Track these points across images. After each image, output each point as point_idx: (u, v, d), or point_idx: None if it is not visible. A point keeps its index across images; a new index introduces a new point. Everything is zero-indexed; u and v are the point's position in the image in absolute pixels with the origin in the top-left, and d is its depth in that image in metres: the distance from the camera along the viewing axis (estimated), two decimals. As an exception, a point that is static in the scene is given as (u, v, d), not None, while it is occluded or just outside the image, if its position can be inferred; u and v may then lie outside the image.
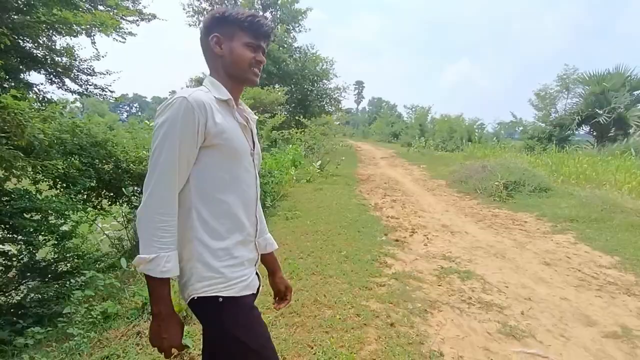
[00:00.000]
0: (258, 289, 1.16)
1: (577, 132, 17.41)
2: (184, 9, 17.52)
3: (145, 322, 2.68)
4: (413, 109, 32.04)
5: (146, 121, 6.15)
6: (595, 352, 2.38)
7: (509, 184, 7.10)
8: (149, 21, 5.66)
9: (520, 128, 20.02)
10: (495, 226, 5.32)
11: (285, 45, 16.02)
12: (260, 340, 1.07)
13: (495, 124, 21.64)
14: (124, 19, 5.38)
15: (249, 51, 1.08)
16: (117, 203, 4.86)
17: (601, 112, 15.45)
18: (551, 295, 3.15)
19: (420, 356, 2.27)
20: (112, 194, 4.76)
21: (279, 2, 15.88)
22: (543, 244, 4.48)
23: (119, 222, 5.08)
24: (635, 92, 15.68)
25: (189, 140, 0.97)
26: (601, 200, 5.69)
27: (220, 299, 1.03)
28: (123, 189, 4.42)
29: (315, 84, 18.28)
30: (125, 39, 5.56)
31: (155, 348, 1.00)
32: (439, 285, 3.30)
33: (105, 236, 5.07)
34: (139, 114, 76.43)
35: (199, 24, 18.04)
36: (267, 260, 1.32)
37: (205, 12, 17.71)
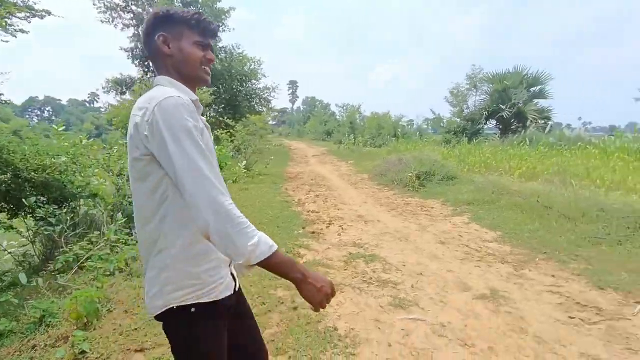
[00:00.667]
0: (235, 289, 1.15)
1: (486, 126, 19.39)
2: (94, 5, 16.27)
3: (42, 335, 2.57)
4: (344, 108, 33.13)
5: (54, 126, 5.65)
6: (466, 312, 2.80)
7: (421, 174, 7.77)
8: (42, 18, 5.24)
9: (441, 123, 21.74)
10: (405, 214, 5.83)
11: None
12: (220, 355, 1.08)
13: (419, 120, 23.22)
14: (13, 16, 4.93)
15: (199, 50, 1.06)
16: (19, 216, 4.48)
17: (504, 107, 17.39)
18: (440, 269, 3.59)
19: (317, 333, 2.49)
20: (11, 206, 4.38)
21: (200, 0, 15.44)
22: (442, 226, 5.03)
23: (24, 236, 4.68)
24: (532, 89, 17.89)
25: (199, 136, 0.95)
26: (494, 185, 6.49)
27: (193, 309, 1.01)
28: (24, 200, 4.11)
29: (244, 84, 18.10)
30: (15, 36, 5.11)
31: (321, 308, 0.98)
32: (345, 270, 3.58)
33: (8, 254, 4.64)
34: (53, 118, 69.06)
35: (112, 21, 16.88)
36: None
37: (118, 9, 16.62)
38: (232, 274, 1.15)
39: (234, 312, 1.14)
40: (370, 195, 7.28)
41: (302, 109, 56.32)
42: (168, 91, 0.95)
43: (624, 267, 3.46)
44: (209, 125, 1.08)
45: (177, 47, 1.04)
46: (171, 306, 1.00)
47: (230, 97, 17.24)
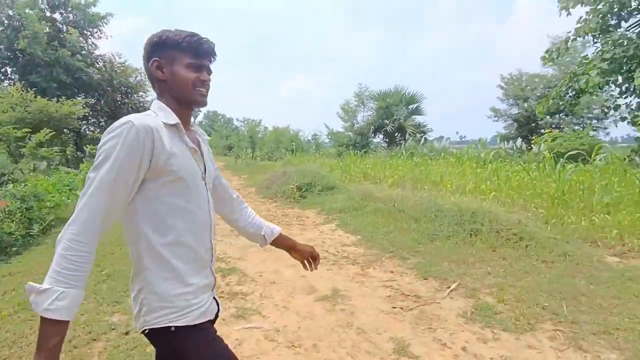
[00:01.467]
0: (217, 314, 1.15)
1: (375, 139, 21.17)
2: None
3: None
4: (245, 122, 32.97)
5: None
6: (304, 314, 2.95)
7: (303, 185, 8.08)
8: None
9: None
10: (280, 224, 5.95)
11: (84, 52, 14.09)
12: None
13: (315, 134, 24.20)
14: None
15: (192, 72, 1.05)
16: None
17: (388, 122, 19.23)
18: (293, 276, 3.74)
19: (143, 354, 2.37)
20: None
21: (70, 3, 13.88)
22: (310, 234, 5.28)
23: None
24: (410, 106, 20.12)
25: (131, 164, 0.91)
26: (363, 193, 7.07)
27: (173, 328, 1.00)
28: None
29: (130, 96, 16.74)
30: None
31: None
32: (197, 286, 3.49)
33: None
34: None
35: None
36: (280, 242, 1.44)
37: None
38: (215, 299, 1.16)
39: None
40: (252, 209, 7.28)
41: (203, 123, 54.22)
42: (131, 117, 0.95)
43: (448, 258, 4.06)
44: (194, 146, 1.08)
45: (170, 71, 1.06)
46: (144, 329, 1.01)
47: (113, 110, 15.75)
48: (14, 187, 5.22)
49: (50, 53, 12.31)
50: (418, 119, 19.94)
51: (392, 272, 3.81)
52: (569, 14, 9.02)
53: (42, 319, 0.83)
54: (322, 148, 22.72)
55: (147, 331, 1.02)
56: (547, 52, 9.93)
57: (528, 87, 18.71)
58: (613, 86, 8.87)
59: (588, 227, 4.52)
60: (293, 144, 21.76)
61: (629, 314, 2.72)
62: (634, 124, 9.67)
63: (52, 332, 0.84)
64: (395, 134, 19.69)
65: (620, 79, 8.36)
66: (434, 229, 4.89)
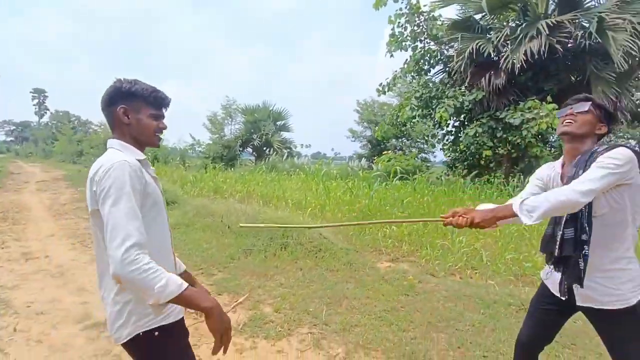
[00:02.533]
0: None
1: (245, 152, 21.16)
2: None
3: None
4: (104, 127, 29.21)
5: None
6: (59, 346, 2.70)
7: (138, 201, 7.49)
8: None
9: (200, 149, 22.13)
10: (86, 242, 5.39)
11: None
12: None
13: (180, 144, 22.83)
14: None
15: (153, 120, 1.32)
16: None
17: (255, 137, 19.50)
18: (73, 303, 3.41)
19: None
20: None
21: None
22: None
23: None
24: (278, 123, 20.80)
25: (137, 195, 1.15)
26: (201, 208, 6.95)
27: (156, 333, 1.23)
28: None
29: None
30: None
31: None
32: None
33: None
34: None
35: None
36: (186, 279, 1.30)
37: None
38: None
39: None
40: (67, 227, 6.43)
41: (49, 124, 45.92)
42: (119, 155, 1.19)
43: (253, 271, 4.26)
44: (156, 176, 1.33)
45: (135, 118, 1.28)
46: (138, 333, 1.20)
47: None
48: None
49: None
50: (285, 135, 20.78)
51: (190, 290, 3.80)
52: (392, 55, 10.69)
53: (182, 294, 1.07)
54: (189, 159, 21.61)
55: (140, 334, 1.20)
56: (380, 85, 11.54)
57: (379, 113, 21.39)
58: (425, 119, 10.82)
59: (378, 237, 5.33)
60: (153, 152, 20.18)
61: (369, 311, 3.27)
62: (443, 150, 11.93)
63: (191, 291, 1.11)
64: (264, 148, 20.08)
65: (426, 113, 10.25)
66: (251, 243, 5.08)
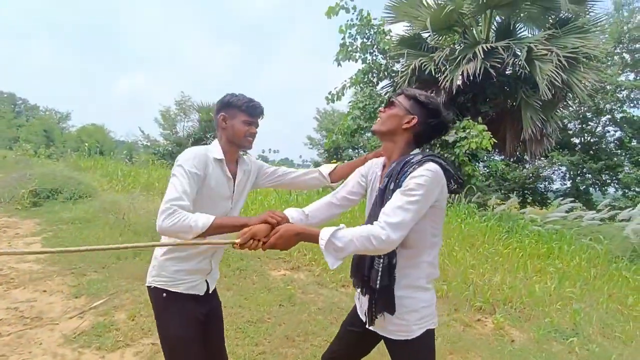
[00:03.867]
0: (207, 292, 1.62)
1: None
2: None
3: None
4: (49, 112, 27.50)
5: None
6: None
7: (44, 191, 6.87)
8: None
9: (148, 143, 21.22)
10: (-33, 235, 4.80)
11: None
12: (176, 338, 1.51)
13: (129, 137, 21.88)
14: None
15: (245, 126, 1.56)
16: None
17: (209, 136, 18.92)
18: None
19: None
20: None
21: None
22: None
23: None
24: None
25: (194, 177, 1.42)
26: (108, 204, 6.45)
27: (164, 294, 1.50)
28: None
29: None
30: None
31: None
32: None
33: None
34: None
35: None
36: (338, 173, 1.90)
37: None
38: (207, 281, 1.62)
39: (205, 312, 1.60)
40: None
41: (-8, 105, 42.47)
42: (203, 147, 1.54)
43: (131, 274, 3.88)
44: (229, 176, 1.57)
45: (230, 124, 1.56)
46: (150, 285, 1.54)
47: None
48: None
49: None
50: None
51: (44, 291, 3.39)
52: (339, 64, 10.69)
53: (212, 227, 1.35)
54: (137, 154, 20.61)
55: (151, 287, 1.54)
56: (329, 93, 11.48)
57: (336, 123, 21.46)
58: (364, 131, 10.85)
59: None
60: (98, 144, 19.08)
61: (232, 322, 3.01)
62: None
63: (222, 222, 1.40)
64: (216, 148, 19.47)
65: (370, 125, 10.26)
66: (144, 242, 4.69)
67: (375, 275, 1.33)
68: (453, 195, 8.51)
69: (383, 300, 1.34)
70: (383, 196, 1.33)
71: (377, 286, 1.33)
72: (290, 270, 4.47)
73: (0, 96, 43.97)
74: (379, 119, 1.43)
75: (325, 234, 1.24)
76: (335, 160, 14.66)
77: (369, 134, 11.58)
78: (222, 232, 1.40)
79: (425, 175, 1.22)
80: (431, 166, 1.24)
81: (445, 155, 9.10)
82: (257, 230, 1.35)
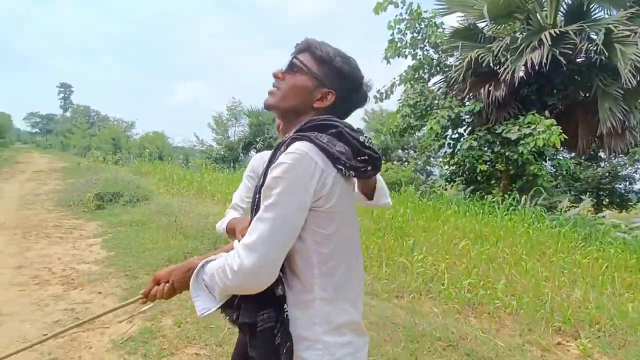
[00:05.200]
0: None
1: (247, 155, 21.01)
2: None
3: None
4: (117, 122, 29.94)
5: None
6: None
7: (107, 195, 7.29)
8: None
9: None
10: (39, 236, 5.17)
11: None
12: None
13: (185, 143, 23.00)
14: None
15: None
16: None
17: (258, 140, 19.32)
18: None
19: None
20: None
21: None
22: (58, 248, 4.67)
23: None
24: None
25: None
26: (164, 206, 6.67)
27: None
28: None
29: None
30: None
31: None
32: None
33: None
34: None
35: None
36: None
37: None
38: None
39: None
40: (24, 218, 6.24)
41: (70, 117, 47.22)
42: None
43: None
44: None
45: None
46: None
47: None
48: None
49: None
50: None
51: (99, 292, 3.47)
52: (388, 62, 10.28)
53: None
54: (192, 158, 21.65)
55: None
56: (377, 92, 11.11)
57: (385, 123, 20.91)
58: (420, 130, 10.33)
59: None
60: (157, 150, 20.29)
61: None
62: (441, 163, 11.39)
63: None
64: (266, 152, 19.82)
65: (422, 124, 9.76)
66: (194, 247, 4.73)
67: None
68: (520, 196, 7.78)
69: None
70: (257, 200, 0.90)
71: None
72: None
73: (76, 109, 48.78)
74: (274, 88, 0.98)
75: (198, 265, 0.89)
76: (385, 161, 14.21)
77: (420, 133, 11.03)
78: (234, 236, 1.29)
79: (286, 162, 0.80)
80: (296, 147, 0.81)
81: (507, 154, 8.37)
82: (159, 273, 0.98)
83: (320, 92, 0.94)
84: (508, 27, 9.70)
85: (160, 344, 2.64)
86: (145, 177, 11.69)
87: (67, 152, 32.40)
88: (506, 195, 8.54)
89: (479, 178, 9.79)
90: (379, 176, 1.07)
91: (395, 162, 15.22)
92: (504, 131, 8.17)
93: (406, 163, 18.05)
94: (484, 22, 9.42)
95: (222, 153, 19.01)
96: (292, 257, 0.86)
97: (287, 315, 0.85)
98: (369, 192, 1.17)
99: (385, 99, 11.02)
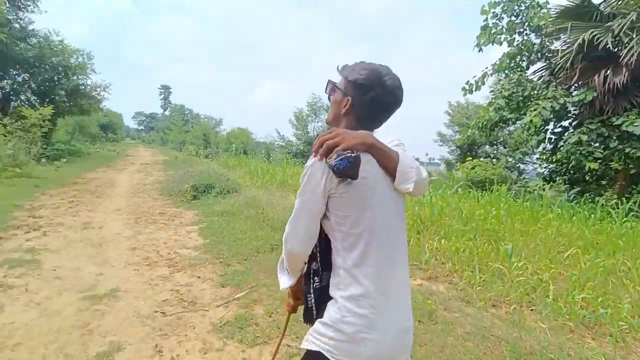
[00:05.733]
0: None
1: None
2: None
3: None
4: (207, 119, 32.63)
5: None
6: (50, 312, 2.82)
7: (200, 186, 7.93)
8: None
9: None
10: (148, 221, 5.80)
11: (15, 26, 13.43)
12: None
13: (267, 138, 24.11)
14: None
15: None
16: None
17: (336, 135, 19.44)
18: (90, 273, 3.60)
19: None
20: None
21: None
22: (162, 234, 5.16)
23: None
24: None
25: None
26: (252, 199, 7.01)
27: None
28: None
29: (70, 78, 16.03)
30: None
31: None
32: (-32, 274, 3.29)
33: None
34: None
35: None
36: None
37: None
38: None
39: None
40: (134, 204, 7.07)
41: (169, 115, 52.86)
42: None
43: (268, 268, 4.01)
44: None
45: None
46: None
47: (44, 88, 15.08)
48: None
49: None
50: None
51: (198, 277, 3.74)
52: (480, 50, 9.47)
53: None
54: (274, 153, 22.65)
55: None
56: (466, 83, 10.35)
57: (471, 116, 19.46)
58: (516, 123, 9.36)
59: (422, 249, 4.65)
60: (242, 145, 21.62)
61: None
62: (539, 160, 10.23)
63: None
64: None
65: (518, 117, 8.82)
66: (280, 238, 4.86)
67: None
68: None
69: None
70: None
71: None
72: (428, 279, 4.01)
73: (174, 108, 54.19)
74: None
75: None
76: (471, 158, 13.24)
77: (512, 128, 10.00)
78: None
79: (308, 163, 1.07)
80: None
81: (627, 150, 7.16)
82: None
83: (344, 101, 1.16)
84: (631, 1, 8.25)
85: (254, 332, 2.73)
86: (232, 170, 12.50)
87: (166, 147, 36.37)
88: (623, 199, 7.33)
89: (587, 178, 8.57)
90: (407, 160, 1.10)
91: (482, 159, 14.07)
92: (625, 124, 7.00)
93: (494, 160, 16.63)
94: (600, -2, 8.17)
95: (302, 148, 19.55)
96: (325, 233, 1.12)
97: (322, 282, 1.14)
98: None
99: (475, 90, 10.22)
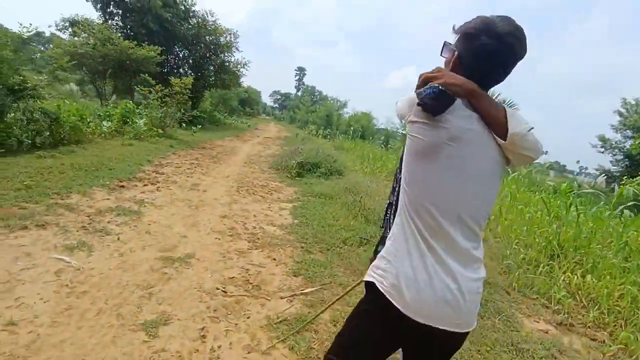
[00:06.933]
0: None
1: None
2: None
3: None
4: (332, 101, 33.41)
5: None
6: (126, 266, 2.87)
7: (307, 164, 7.82)
8: None
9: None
10: (248, 192, 5.90)
11: (180, 7, 15.55)
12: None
13: (388, 125, 23.20)
14: None
15: None
16: None
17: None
18: (174, 234, 3.68)
19: None
20: None
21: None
22: (257, 206, 5.13)
23: None
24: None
25: None
26: (354, 184, 6.56)
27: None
28: None
29: (218, 55, 18.01)
30: None
31: None
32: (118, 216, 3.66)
33: None
34: None
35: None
36: None
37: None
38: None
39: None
40: (243, 174, 7.34)
41: (300, 95, 56.11)
42: None
43: (350, 264, 3.54)
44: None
45: None
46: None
47: (197, 63, 17.23)
48: (34, 101, 6.07)
49: (143, 1, 13.88)
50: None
51: (274, 259, 3.48)
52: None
53: None
54: (393, 141, 21.78)
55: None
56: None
57: (654, 119, 15.02)
58: None
59: (556, 277, 3.52)
60: (361, 129, 21.32)
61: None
62: None
63: None
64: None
65: None
66: (372, 233, 4.31)
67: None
68: None
69: None
70: None
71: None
72: (558, 325, 2.96)
73: (306, 89, 57.11)
74: None
75: None
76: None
77: None
78: None
79: None
80: None
81: None
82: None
83: (452, 56, 1.07)
84: None
85: (310, 341, 2.30)
86: (345, 153, 12.27)
87: (293, 125, 38.70)
88: None
89: None
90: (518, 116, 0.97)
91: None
92: None
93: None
94: None
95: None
96: None
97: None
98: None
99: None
